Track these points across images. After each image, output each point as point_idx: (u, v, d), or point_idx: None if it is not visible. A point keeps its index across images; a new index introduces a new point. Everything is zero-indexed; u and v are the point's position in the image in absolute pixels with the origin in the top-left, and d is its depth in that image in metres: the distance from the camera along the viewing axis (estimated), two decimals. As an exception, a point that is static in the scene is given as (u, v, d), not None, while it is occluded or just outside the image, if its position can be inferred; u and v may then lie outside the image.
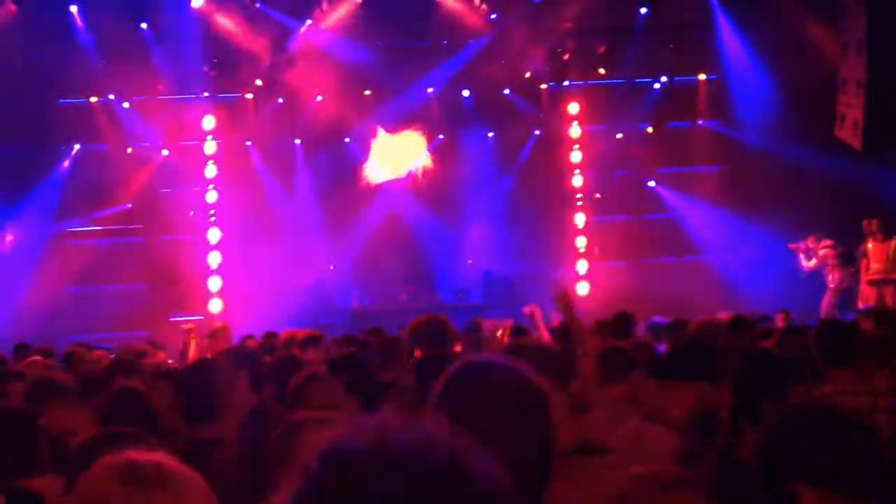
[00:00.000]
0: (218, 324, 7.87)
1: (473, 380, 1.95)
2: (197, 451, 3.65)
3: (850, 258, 14.33)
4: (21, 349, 10.34)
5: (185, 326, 7.90)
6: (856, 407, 3.68)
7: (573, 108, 18.40)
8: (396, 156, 18.72)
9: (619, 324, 7.77)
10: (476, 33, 17.50)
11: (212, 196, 17.77)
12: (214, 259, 17.57)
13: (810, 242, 14.86)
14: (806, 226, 15.58)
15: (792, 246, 15.16)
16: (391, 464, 1.23)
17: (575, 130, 18.48)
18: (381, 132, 18.52)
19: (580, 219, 18.40)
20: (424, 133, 18.59)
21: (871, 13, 13.33)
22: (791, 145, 16.20)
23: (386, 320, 12.60)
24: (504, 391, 1.92)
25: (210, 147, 17.85)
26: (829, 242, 14.60)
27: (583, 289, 18.06)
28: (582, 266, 18.25)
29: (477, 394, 1.92)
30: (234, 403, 3.86)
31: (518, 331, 9.20)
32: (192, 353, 7.13)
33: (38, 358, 7.09)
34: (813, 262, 14.75)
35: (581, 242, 18.33)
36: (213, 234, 17.62)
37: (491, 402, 1.90)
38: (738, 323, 6.50)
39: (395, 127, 18.49)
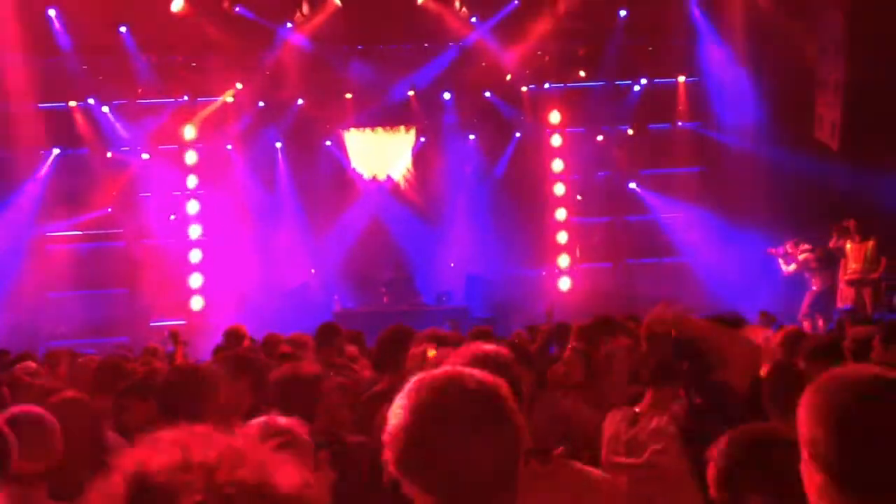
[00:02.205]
0: (233, 325, 7.82)
1: (429, 396, 1.94)
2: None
3: (830, 260, 14.42)
4: (3, 354, 10.28)
5: (171, 330, 7.88)
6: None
7: (553, 110, 18.44)
8: (378, 155, 18.74)
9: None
10: (456, 36, 17.52)
11: (192, 200, 17.72)
12: (195, 263, 17.51)
13: (789, 247, 14.92)
14: (785, 226, 15.67)
15: (771, 251, 15.22)
16: (198, 478, 1.23)
17: (555, 133, 18.52)
18: (362, 130, 18.55)
19: (561, 221, 18.44)
20: (407, 130, 18.65)
21: (849, 15, 13.44)
22: (770, 146, 16.30)
23: (367, 323, 12.59)
24: (461, 403, 1.89)
25: (190, 151, 17.80)
26: (807, 246, 14.67)
27: (564, 289, 18.10)
28: (563, 267, 18.28)
29: (435, 410, 1.90)
30: (219, 408, 3.85)
31: (481, 334, 9.16)
32: (179, 356, 7.12)
33: (30, 364, 7.03)
34: (792, 267, 14.81)
35: (562, 244, 18.37)
36: (194, 239, 17.56)
37: (450, 416, 1.88)
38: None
39: (376, 125, 18.55)
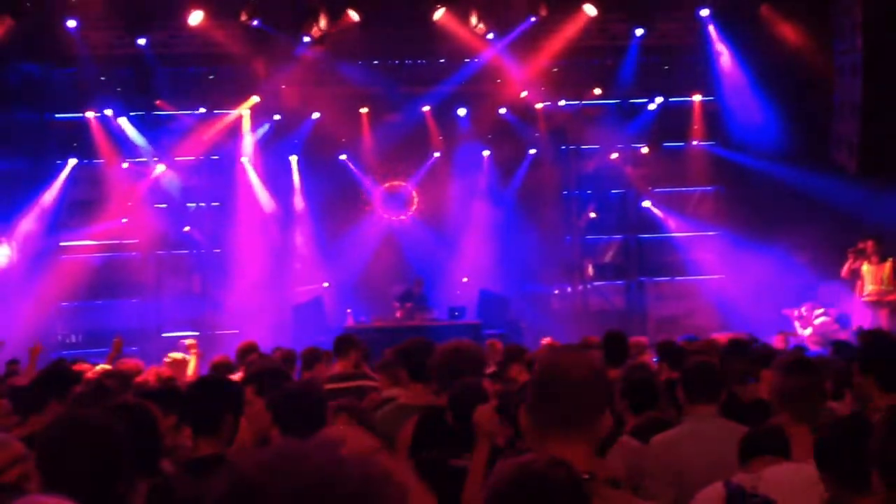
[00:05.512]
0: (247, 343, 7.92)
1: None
2: (199, 469, 3.62)
3: (847, 321, 14.24)
4: (13, 364, 10.30)
5: (187, 342, 7.85)
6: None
7: (568, 127, 18.43)
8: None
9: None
10: (472, 52, 17.54)
11: (206, 211, 17.73)
12: (209, 275, 17.52)
13: (804, 310, 14.71)
14: (801, 246, 15.58)
15: (786, 312, 14.98)
16: (305, 487, 1.26)
17: (570, 150, 18.51)
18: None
19: (574, 238, 18.40)
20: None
21: (866, 35, 13.39)
22: (786, 166, 16.24)
23: (380, 338, 12.57)
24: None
25: (206, 163, 17.84)
26: (820, 310, 14.46)
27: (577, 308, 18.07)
28: (577, 285, 18.25)
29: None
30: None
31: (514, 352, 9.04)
32: (193, 368, 7.09)
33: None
34: (809, 331, 14.55)
35: (576, 261, 18.34)
36: (208, 251, 17.58)
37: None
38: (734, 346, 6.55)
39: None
